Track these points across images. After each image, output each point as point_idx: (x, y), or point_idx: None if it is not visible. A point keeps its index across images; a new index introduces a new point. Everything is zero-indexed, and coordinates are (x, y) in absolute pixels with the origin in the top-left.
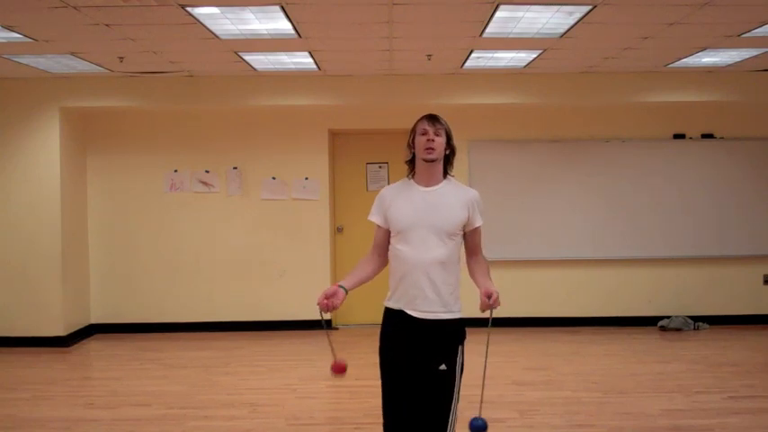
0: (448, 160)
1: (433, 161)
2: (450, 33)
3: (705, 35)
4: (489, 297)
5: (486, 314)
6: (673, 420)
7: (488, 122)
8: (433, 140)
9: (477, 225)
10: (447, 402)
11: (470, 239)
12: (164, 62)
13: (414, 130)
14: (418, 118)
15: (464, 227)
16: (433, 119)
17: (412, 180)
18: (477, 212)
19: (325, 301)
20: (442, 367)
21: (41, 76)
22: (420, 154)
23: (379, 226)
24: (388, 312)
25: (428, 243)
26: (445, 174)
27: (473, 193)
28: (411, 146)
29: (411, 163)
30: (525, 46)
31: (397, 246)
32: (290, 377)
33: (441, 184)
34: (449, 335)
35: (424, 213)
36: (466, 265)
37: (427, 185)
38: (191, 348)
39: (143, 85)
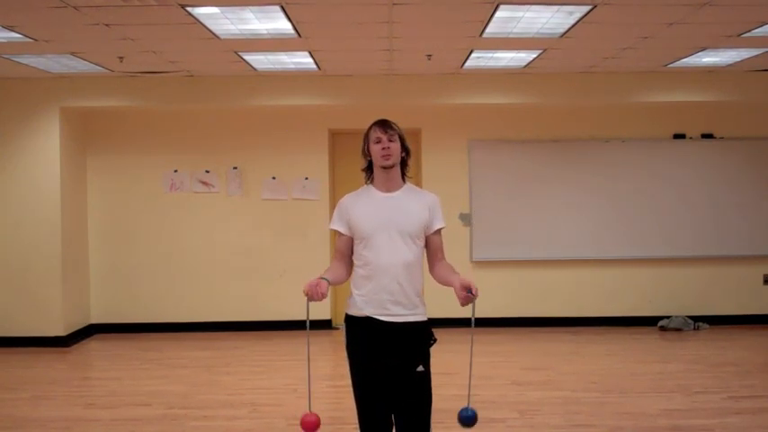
0: (404, 163)
1: (391, 167)
2: (450, 33)
3: (705, 35)
4: (468, 290)
5: (468, 309)
6: (672, 420)
7: (488, 122)
8: (388, 147)
9: (438, 227)
10: (428, 403)
11: (432, 242)
12: (164, 62)
13: (367, 138)
14: (369, 125)
15: (425, 230)
16: (384, 125)
17: (371, 187)
18: (438, 215)
19: (314, 289)
20: (420, 369)
21: (41, 76)
22: (377, 161)
23: (341, 234)
24: (353, 321)
25: (394, 246)
26: (403, 178)
27: (432, 197)
28: (366, 154)
29: (368, 170)
30: (525, 46)
31: (363, 252)
32: (289, 377)
33: (401, 190)
34: (420, 336)
35: (387, 217)
36: (429, 272)
37: (387, 191)
38: (191, 348)
39: (143, 85)
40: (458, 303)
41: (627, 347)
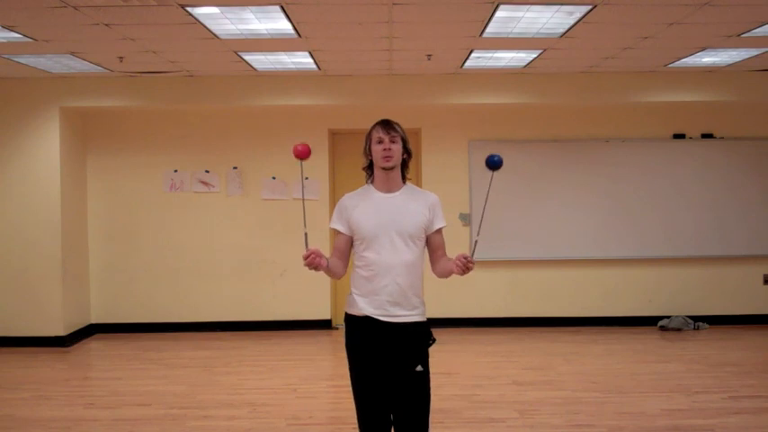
0: (405, 164)
1: (391, 168)
2: (450, 33)
3: (705, 35)
4: (463, 257)
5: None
6: (673, 420)
7: (488, 122)
8: (389, 149)
9: (439, 226)
10: (426, 402)
11: (434, 241)
12: (164, 62)
13: (369, 138)
14: (372, 125)
15: (426, 229)
16: (387, 126)
17: (371, 186)
18: (439, 214)
19: (314, 257)
20: (419, 368)
21: (41, 76)
22: (378, 162)
23: (340, 233)
24: (353, 320)
25: (395, 247)
26: (404, 178)
27: (433, 197)
28: (368, 153)
29: (369, 169)
30: (525, 46)
31: (363, 253)
32: (290, 377)
33: (401, 190)
34: (419, 336)
35: (388, 218)
36: (432, 270)
37: (388, 191)
38: (191, 348)
39: (143, 85)
40: (458, 303)
41: (627, 347)
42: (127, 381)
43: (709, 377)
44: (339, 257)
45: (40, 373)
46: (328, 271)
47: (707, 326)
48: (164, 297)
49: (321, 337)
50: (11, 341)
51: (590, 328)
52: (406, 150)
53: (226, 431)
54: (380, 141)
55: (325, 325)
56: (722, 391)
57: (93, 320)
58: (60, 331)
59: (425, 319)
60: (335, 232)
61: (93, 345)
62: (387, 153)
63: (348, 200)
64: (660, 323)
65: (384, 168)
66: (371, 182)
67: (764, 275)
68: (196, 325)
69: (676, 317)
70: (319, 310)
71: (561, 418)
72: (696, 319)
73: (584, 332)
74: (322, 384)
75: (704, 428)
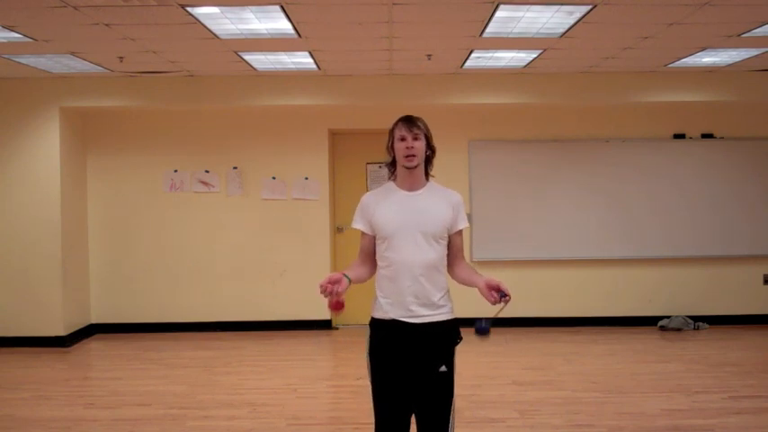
0: (428, 161)
1: (414, 167)
2: (450, 33)
3: (705, 35)
4: (500, 292)
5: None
6: (673, 420)
7: (488, 122)
8: (412, 147)
9: (460, 227)
10: (448, 403)
11: (454, 243)
12: (164, 62)
13: (392, 134)
14: (395, 120)
15: (449, 229)
16: (410, 123)
17: (394, 184)
18: (461, 215)
19: (330, 286)
20: (443, 369)
21: (41, 76)
22: (401, 161)
23: (364, 234)
24: (378, 324)
25: (417, 247)
26: (427, 175)
27: (456, 196)
28: (390, 150)
29: (392, 165)
30: (525, 46)
31: (385, 253)
32: (290, 377)
33: (424, 188)
34: (445, 336)
35: (410, 218)
36: (449, 272)
37: (410, 190)
38: (191, 348)
39: (143, 85)
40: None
41: (627, 347)
42: (127, 381)
43: (709, 377)
44: (364, 260)
45: (40, 373)
46: (357, 281)
47: (707, 326)
48: (164, 297)
49: (321, 337)
50: (11, 341)
51: (590, 328)
52: (430, 147)
53: (226, 431)
54: (403, 139)
55: (325, 325)
56: (722, 391)
57: (94, 320)
58: (60, 331)
59: (453, 317)
60: (360, 233)
61: (93, 345)
62: (410, 152)
63: (369, 199)
64: (660, 323)
65: (407, 167)
66: (394, 179)
67: (765, 275)
68: (196, 325)
69: (676, 317)
70: (319, 310)
71: (561, 418)
72: (696, 319)
73: (584, 332)
74: (322, 384)
75: (704, 428)
